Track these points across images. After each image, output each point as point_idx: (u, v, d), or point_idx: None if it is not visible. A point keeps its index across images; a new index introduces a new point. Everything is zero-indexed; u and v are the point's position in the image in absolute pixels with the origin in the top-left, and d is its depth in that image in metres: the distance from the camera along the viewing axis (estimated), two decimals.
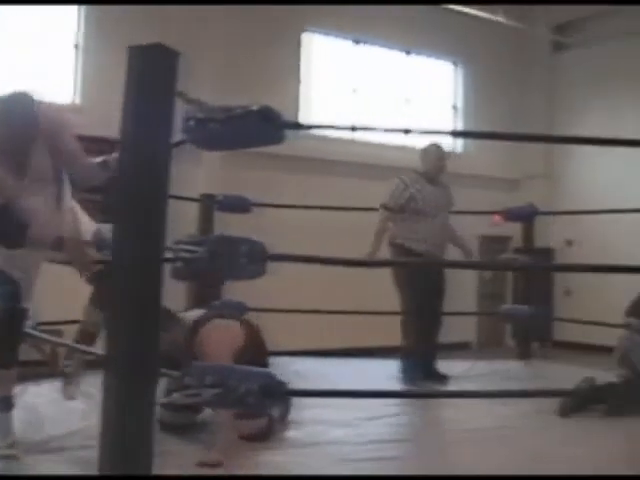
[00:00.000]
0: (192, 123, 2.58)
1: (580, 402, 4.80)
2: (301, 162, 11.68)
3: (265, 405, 2.42)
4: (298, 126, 2.91)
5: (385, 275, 6.47)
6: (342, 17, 12.73)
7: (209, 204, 6.39)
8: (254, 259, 2.43)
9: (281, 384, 2.38)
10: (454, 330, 12.23)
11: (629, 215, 8.89)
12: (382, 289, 6.69)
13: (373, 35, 13.38)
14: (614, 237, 12.76)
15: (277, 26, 12.10)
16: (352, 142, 12.62)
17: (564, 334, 13.67)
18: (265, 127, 2.47)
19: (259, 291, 9.50)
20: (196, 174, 10.63)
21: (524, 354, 7.56)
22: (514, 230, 11.09)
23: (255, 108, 2.47)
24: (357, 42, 13.38)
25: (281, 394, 2.44)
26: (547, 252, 14.36)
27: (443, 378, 6.23)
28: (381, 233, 6.21)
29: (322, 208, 8.00)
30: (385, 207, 6.20)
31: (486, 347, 13.40)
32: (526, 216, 7.41)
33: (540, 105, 15.13)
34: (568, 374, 5.34)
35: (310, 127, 3.92)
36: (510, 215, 7.27)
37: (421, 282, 5.96)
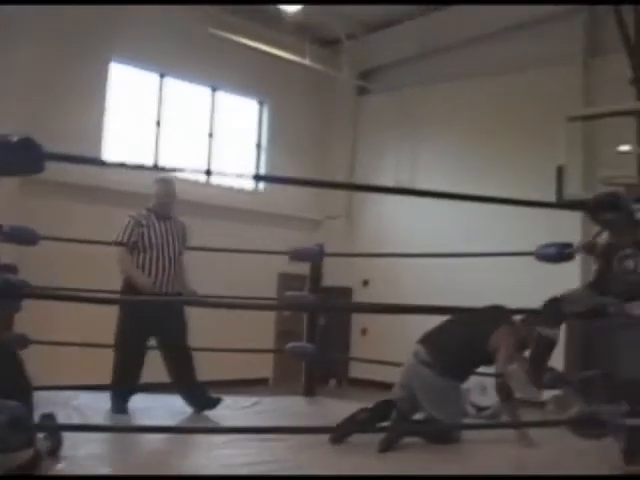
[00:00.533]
0: None
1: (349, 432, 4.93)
2: (102, 193, 11.50)
3: (10, 439, 2.34)
4: (59, 157, 2.83)
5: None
6: (149, 50, 12.66)
7: None
8: (5, 294, 2.37)
9: (29, 418, 2.30)
10: (252, 366, 12.45)
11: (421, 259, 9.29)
12: None
13: (180, 70, 13.35)
14: (407, 277, 13.15)
15: (85, 53, 11.91)
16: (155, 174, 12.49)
17: (359, 372, 13.96)
18: (24, 157, 2.40)
19: (50, 324, 9.45)
20: None
21: (309, 391, 7.66)
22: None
23: (15, 139, 2.40)
24: (163, 75, 13.30)
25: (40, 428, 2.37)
26: (345, 291, 14.69)
27: (217, 400, 6.26)
28: (127, 263, 6.17)
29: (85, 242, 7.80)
30: (117, 243, 6.19)
31: (283, 383, 13.50)
32: (312, 256, 7.52)
33: (343, 146, 15.54)
34: (343, 410, 5.43)
35: (75, 159, 3.78)
36: (296, 255, 7.37)
37: (138, 316, 5.97)
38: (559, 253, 4.87)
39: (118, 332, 6.18)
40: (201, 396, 6.31)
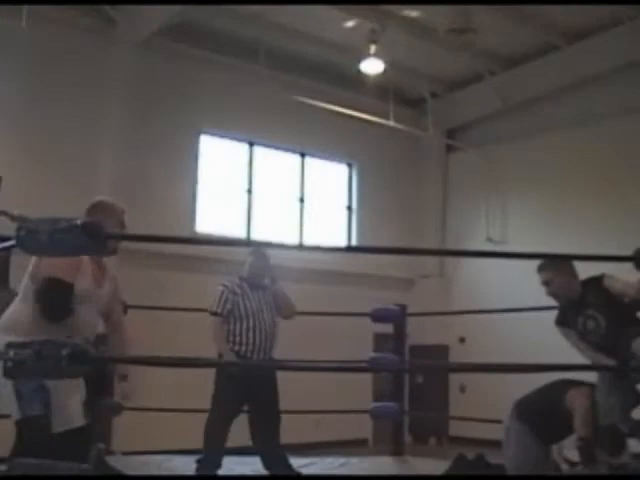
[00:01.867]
0: (23, 232, 2.72)
1: None
2: (196, 262, 11.81)
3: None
4: (120, 236, 3.04)
5: None
6: (237, 120, 13.05)
7: None
8: (76, 361, 2.55)
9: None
10: (350, 427, 12.47)
11: (517, 314, 9.24)
12: None
13: (268, 138, 13.71)
14: (502, 333, 13.06)
15: (175, 126, 12.36)
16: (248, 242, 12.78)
17: (459, 430, 13.83)
18: (87, 240, 2.61)
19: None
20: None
21: (397, 451, 7.68)
22: (414, 326, 11.44)
23: (78, 222, 2.61)
24: (252, 144, 13.67)
25: None
26: (442, 348, 14.67)
27: (297, 476, 6.33)
28: (220, 338, 6.34)
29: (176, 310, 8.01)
30: (213, 313, 6.35)
31: (382, 444, 13.47)
32: (393, 317, 7.58)
33: (433, 205, 15.64)
34: (427, 469, 5.47)
35: (127, 237, 4.00)
36: (378, 316, 7.43)
37: (237, 382, 6.07)
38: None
39: (214, 397, 6.31)
40: (282, 465, 6.38)
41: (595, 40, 12.66)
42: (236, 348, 6.28)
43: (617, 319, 5.18)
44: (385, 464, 7.28)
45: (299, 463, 7.03)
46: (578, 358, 5.30)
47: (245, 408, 6.45)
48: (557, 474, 5.12)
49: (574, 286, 5.46)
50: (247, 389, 6.14)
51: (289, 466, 6.36)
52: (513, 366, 6.14)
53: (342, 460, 7.07)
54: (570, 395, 5.21)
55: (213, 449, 6.26)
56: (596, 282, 5.40)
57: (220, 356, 6.33)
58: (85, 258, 4.07)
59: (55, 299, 3.94)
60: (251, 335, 6.26)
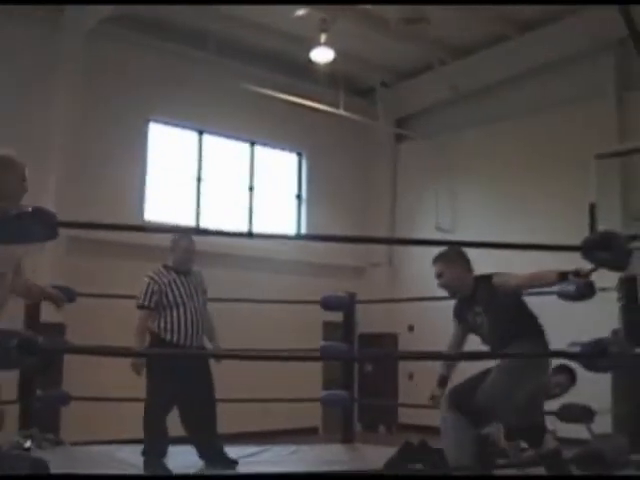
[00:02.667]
0: None
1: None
2: (144, 249, 11.74)
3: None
4: (70, 225, 3.02)
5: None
6: (186, 108, 12.99)
7: None
8: (25, 351, 2.54)
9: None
10: (300, 416, 12.52)
11: None
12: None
13: (217, 126, 13.66)
14: (452, 322, 13.12)
15: (123, 114, 12.27)
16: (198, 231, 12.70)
17: (408, 417, 13.94)
18: (38, 226, 2.59)
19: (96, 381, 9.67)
20: (41, 262, 10.67)
21: (347, 439, 7.72)
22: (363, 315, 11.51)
23: (29, 209, 2.59)
24: (201, 132, 13.61)
25: None
26: (391, 337, 14.77)
27: (232, 462, 6.33)
28: (141, 332, 6.36)
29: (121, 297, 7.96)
30: (141, 307, 6.35)
31: (333, 432, 13.52)
32: (343, 305, 7.62)
33: (383, 193, 15.69)
34: (377, 455, 5.52)
35: (83, 225, 3.94)
36: (327, 304, 7.45)
37: (168, 371, 6.10)
38: (578, 291, 4.92)
39: (148, 388, 6.31)
40: (217, 453, 6.37)
41: (545, 30, 12.78)
42: (167, 337, 6.25)
43: (500, 319, 5.33)
44: (335, 451, 7.32)
45: (249, 451, 7.05)
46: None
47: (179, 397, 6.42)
48: (556, 475, 5.18)
49: (466, 280, 5.66)
50: (180, 378, 6.13)
51: (224, 455, 6.34)
52: (461, 354, 6.16)
53: (293, 448, 7.10)
54: None
55: (154, 439, 6.24)
56: (486, 280, 5.59)
57: (155, 340, 6.31)
58: None
59: None
60: (182, 322, 6.25)
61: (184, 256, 6.47)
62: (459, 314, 5.59)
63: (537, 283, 5.34)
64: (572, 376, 7.26)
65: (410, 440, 5.93)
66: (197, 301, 6.44)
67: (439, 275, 5.62)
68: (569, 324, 8.59)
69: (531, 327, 5.43)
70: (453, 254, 5.73)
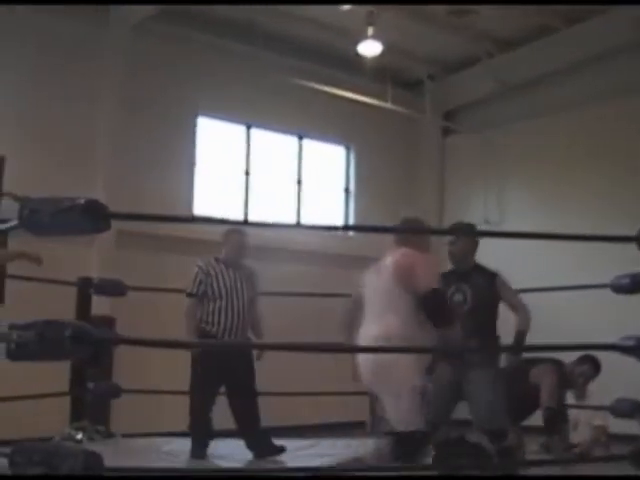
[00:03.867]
0: (26, 212, 2.72)
1: None
2: (193, 243, 11.82)
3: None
4: (125, 216, 3.04)
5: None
6: (235, 102, 13.02)
7: (85, 288, 6.48)
8: (79, 341, 2.56)
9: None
10: (349, 409, 12.50)
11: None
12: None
13: (265, 120, 13.68)
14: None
15: (172, 109, 12.34)
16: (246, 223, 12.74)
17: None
18: (90, 218, 2.61)
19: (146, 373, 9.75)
20: (91, 256, 10.83)
21: None
22: None
23: (81, 202, 2.61)
24: (250, 126, 13.64)
25: None
26: None
27: (280, 450, 6.37)
28: (189, 320, 6.44)
29: (172, 291, 8.03)
30: (189, 295, 6.43)
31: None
32: None
33: (430, 187, 15.63)
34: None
35: (136, 217, 3.94)
36: None
37: (211, 363, 6.17)
38: (633, 283, 4.86)
39: (191, 380, 6.39)
40: (263, 443, 6.41)
41: (593, 22, 12.64)
42: (208, 328, 6.34)
43: (483, 309, 5.47)
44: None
45: (299, 445, 7.07)
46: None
47: (223, 390, 6.49)
48: (562, 474, 5.17)
49: (469, 259, 6.15)
50: (222, 370, 6.18)
51: (272, 444, 6.40)
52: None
53: (341, 442, 7.11)
54: (535, 372, 5.45)
55: (198, 429, 6.33)
56: (490, 273, 6.07)
57: (200, 333, 6.38)
58: None
59: None
60: (223, 315, 6.33)
61: (235, 250, 6.55)
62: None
63: (522, 315, 5.63)
64: (596, 365, 7.28)
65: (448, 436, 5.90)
66: (243, 295, 6.49)
67: (453, 243, 5.90)
68: (623, 318, 8.51)
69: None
70: (469, 229, 6.12)
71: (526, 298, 8.93)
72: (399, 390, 5.04)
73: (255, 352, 6.82)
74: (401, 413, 5.03)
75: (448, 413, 5.96)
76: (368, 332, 5.15)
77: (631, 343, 3.56)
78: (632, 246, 3.75)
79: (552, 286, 9.38)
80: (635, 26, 12.03)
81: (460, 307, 5.75)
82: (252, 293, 6.63)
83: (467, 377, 5.73)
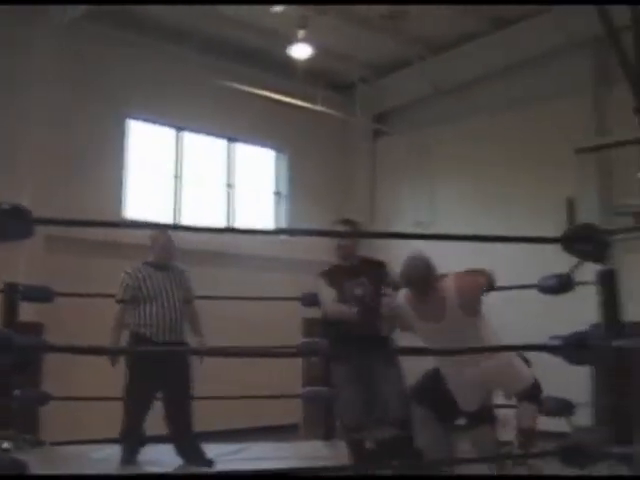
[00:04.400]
0: None
1: None
2: (122, 248, 11.69)
3: None
4: (49, 221, 2.99)
5: None
6: (165, 105, 12.93)
7: (11, 294, 6.36)
8: (1, 349, 2.51)
9: None
10: (281, 413, 12.49)
11: None
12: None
13: (196, 123, 13.61)
14: None
15: (102, 111, 12.20)
16: (177, 227, 12.64)
17: None
18: (14, 224, 2.55)
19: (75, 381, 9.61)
20: (18, 261, 10.62)
21: (328, 435, 7.71)
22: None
23: (6, 207, 2.56)
24: (180, 129, 13.55)
25: None
26: None
27: (209, 462, 6.30)
28: (117, 327, 6.38)
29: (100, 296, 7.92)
30: (118, 301, 6.37)
31: (314, 429, 13.49)
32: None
33: (362, 190, 15.71)
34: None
35: (60, 222, 3.87)
36: (307, 300, 7.44)
37: (146, 367, 6.13)
38: (559, 284, 4.95)
39: (126, 384, 6.31)
40: (194, 450, 6.36)
41: (522, 26, 12.86)
42: (142, 331, 6.27)
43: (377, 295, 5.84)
44: (315, 448, 7.31)
45: (230, 449, 7.03)
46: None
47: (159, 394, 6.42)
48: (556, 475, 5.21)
49: (355, 253, 6.36)
50: (158, 374, 6.12)
51: (201, 453, 6.34)
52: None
53: (272, 445, 7.09)
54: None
55: (129, 437, 6.26)
56: (379, 264, 6.39)
57: (133, 336, 6.31)
58: None
59: None
60: (155, 316, 6.25)
61: (163, 252, 6.47)
62: (329, 277, 6.33)
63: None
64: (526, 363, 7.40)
65: (383, 436, 5.94)
66: (174, 296, 6.42)
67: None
68: (550, 318, 8.65)
69: None
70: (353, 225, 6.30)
71: None
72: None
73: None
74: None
75: (367, 411, 6.00)
76: (475, 372, 5.04)
77: (558, 343, 3.61)
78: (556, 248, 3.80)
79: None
80: (561, 31, 12.25)
81: (362, 300, 5.86)
82: (185, 294, 6.57)
83: (375, 371, 5.84)
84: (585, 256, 3.64)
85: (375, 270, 6.30)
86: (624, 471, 5.66)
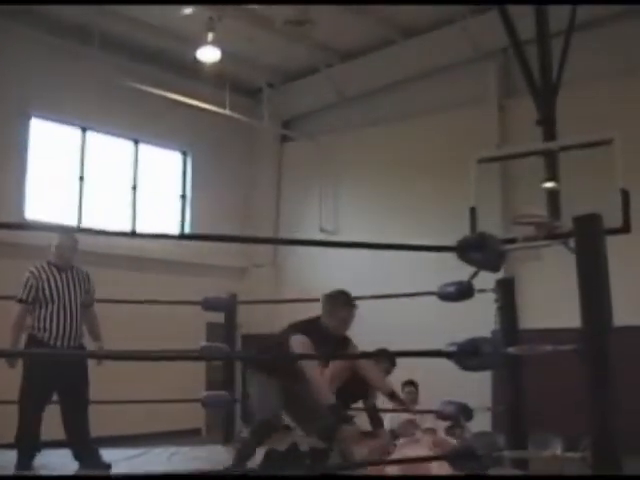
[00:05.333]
0: None
1: None
2: (24, 248, 11.47)
3: None
4: None
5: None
6: (70, 104, 12.73)
7: None
8: None
9: None
10: (183, 417, 12.40)
11: None
12: None
13: (101, 124, 13.44)
14: None
15: (4, 109, 11.96)
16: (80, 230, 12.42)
17: None
18: None
19: None
20: None
21: (228, 438, 7.72)
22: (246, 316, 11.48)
23: None
24: (85, 130, 13.36)
25: None
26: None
27: (106, 466, 6.23)
28: (17, 327, 6.25)
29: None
30: (19, 301, 6.25)
31: (215, 433, 13.43)
32: (224, 305, 7.61)
33: (267, 195, 15.76)
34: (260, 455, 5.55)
35: None
36: (208, 305, 7.43)
37: (43, 371, 6.05)
38: (458, 292, 5.05)
39: (21, 388, 6.17)
40: (91, 454, 6.26)
41: (428, 37, 13.09)
42: (39, 335, 6.14)
43: None
44: (215, 452, 7.30)
45: (129, 454, 6.97)
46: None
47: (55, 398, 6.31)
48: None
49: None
50: (54, 378, 6.02)
51: (98, 456, 6.26)
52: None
53: (172, 449, 7.05)
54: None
55: (25, 442, 6.13)
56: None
57: (31, 340, 6.18)
58: None
59: None
60: (55, 321, 6.12)
61: (63, 253, 6.35)
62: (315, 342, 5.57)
63: None
64: (392, 360, 7.66)
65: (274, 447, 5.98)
66: (75, 299, 6.32)
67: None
68: (451, 325, 8.79)
69: None
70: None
71: (360, 303, 9.20)
72: None
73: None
74: None
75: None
76: None
77: (453, 349, 3.68)
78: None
79: (385, 294, 9.54)
80: (468, 42, 12.50)
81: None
82: (86, 297, 6.46)
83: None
84: (479, 264, 3.72)
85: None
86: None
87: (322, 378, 5.51)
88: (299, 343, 5.37)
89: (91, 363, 6.36)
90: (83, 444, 6.26)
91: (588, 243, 3.35)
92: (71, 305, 6.22)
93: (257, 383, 5.78)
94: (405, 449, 5.17)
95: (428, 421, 7.77)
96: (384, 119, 14.14)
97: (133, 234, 12.09)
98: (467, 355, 3.59)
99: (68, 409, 6.25)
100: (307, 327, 5.62)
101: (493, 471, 3.82)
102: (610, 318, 3.35)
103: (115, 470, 6.06)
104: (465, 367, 3.69)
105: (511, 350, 4.02)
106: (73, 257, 6.42)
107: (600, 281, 3.28)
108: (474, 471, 3.61)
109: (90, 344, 6.63)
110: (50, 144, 13.01)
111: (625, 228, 9.06)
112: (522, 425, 6.13)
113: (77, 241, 6.47)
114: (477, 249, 3.52)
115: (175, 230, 14.70)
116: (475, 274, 4.33)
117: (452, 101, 13.30)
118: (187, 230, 14.79)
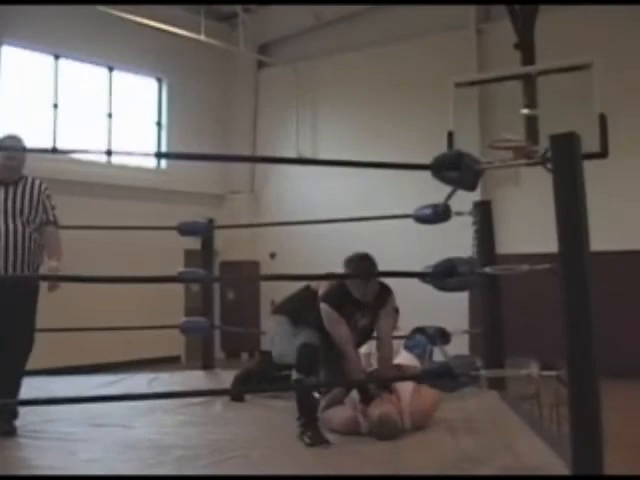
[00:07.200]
0: None
1: None
2: None
3: None
4: None
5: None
6: (42, 31, 12.48)
7: None
8: None
9: None
10: (163, 344, 12.47)
11: (323, 227, 9.52)
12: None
13: (75, 50, 13.19)
14: (309, 247, 13.34)
15: None
16: (55, 159, 12.26)
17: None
18: None
19: None
20: None
21: (207, 365, 7.75)
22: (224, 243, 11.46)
23: None
24: (58, 57, 13.12)
25: None
26: (254, 265, 14.83)
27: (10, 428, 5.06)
28: None
29: None
30: None
31: (195, 359, 13.50)
32: (199, 230, 7.55)
33: (244, 121, 15.64)
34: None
35: None
36: (184, 230, 7.35)
37: None
38: (434, 214, 5.04)
39: None
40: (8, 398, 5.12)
41: None
42: None
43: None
44: (194, 377, 7.33)
45: (109, 380, 6.98)
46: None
47: None
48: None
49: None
50: None
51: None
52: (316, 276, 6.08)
53: (152, 375, 7.07)
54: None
55: None
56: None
57: None
58: None
59: None
60: None
61: (6, 163, 5.14)
62: (340, 308, 5.31)
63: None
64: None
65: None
66: (21, 215, 5.21)
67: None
68: (430, 250, 8.81)
69: None
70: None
71: (339, 228, 9.20)
72: None
73: (47, 283, 5.51)
74: None
75: None
76: None
77: (429, 270, 3.68)
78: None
79: (364, 216, 9.51)
80: None
81: (363, 332, 5.50)
82: (41, 214, 5.33)
83: None
84: (454, 183, 3.69)
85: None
86: (494, 395, 5.89)
87: (357, 355, 5.30)
88: (326, 313, 5.17)
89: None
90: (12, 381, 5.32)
91: (566, 161, 3.32)
92: (13, 222, 5.13)
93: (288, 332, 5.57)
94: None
95: (400, 357, 7.76)
96: (363, 44, 14.02)
97: (109, 153, 11.90)
98: (443, 276, 3.58)
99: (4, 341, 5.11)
100: (338, 296, 5.32)
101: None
102: (587, 236, 3.33)
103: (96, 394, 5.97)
104: (441, 288, 3.67)
105: (487, 270, 4.00)
106: (15, 168, 5.25)
107: (577, 197, 3.26)
108: (452, 390, 3.64)
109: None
110: (22, 72, 12.75)
111: (603, 153, 9.09)
112: (499, 346, 6.17)
113: (25, 147, 5.43)
114: (453, 167, 3.49)
115: (151, 157, 14.60)
116: (451, 194, 4.28)
117: (431, 25, 13.21)
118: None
